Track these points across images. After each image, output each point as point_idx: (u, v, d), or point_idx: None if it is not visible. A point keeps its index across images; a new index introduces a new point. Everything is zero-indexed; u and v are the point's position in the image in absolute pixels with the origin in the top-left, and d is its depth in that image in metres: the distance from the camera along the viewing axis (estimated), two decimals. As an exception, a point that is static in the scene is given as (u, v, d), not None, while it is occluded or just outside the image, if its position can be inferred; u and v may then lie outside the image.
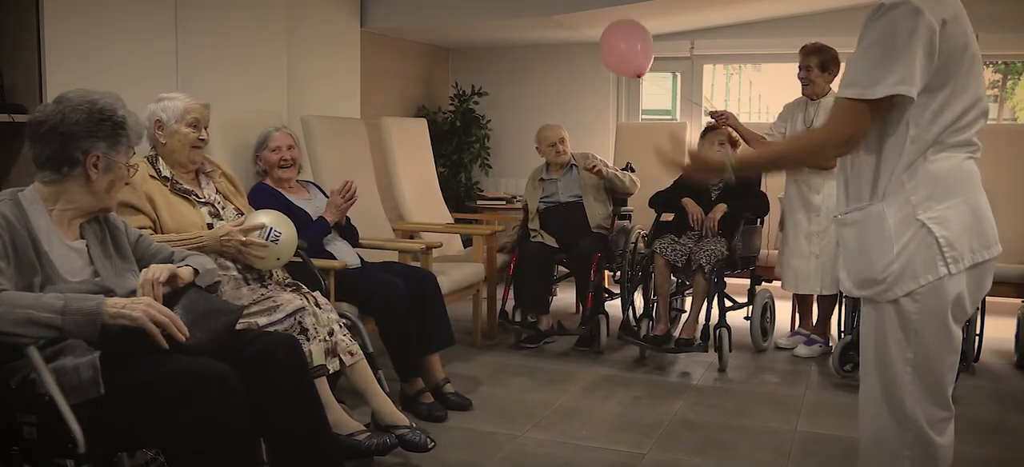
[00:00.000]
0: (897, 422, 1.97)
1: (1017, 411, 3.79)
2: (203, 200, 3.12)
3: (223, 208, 3.17)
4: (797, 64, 4.52)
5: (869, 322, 1.99)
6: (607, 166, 4.88)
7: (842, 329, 4.34)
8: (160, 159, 3.09)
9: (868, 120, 1.85)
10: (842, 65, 4.41)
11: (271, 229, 2.98)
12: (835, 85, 4.52)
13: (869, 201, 1.95)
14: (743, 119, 4.62)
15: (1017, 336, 4.53)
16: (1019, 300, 4.61)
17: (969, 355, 4.07)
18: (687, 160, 2.11)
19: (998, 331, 4.89)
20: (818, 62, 4.47)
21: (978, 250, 1.91)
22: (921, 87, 1.82)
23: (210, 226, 3.05)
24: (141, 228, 2.84)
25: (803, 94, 4.56)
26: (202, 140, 3.12)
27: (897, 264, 1.89)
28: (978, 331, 4.16)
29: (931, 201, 1.88)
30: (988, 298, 4.27)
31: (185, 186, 3.09)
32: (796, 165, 1.91)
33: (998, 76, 9.95)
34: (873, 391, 2.01)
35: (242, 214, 3.21)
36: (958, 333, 1.96)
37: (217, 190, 3.21)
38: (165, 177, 3.04)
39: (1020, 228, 5.09)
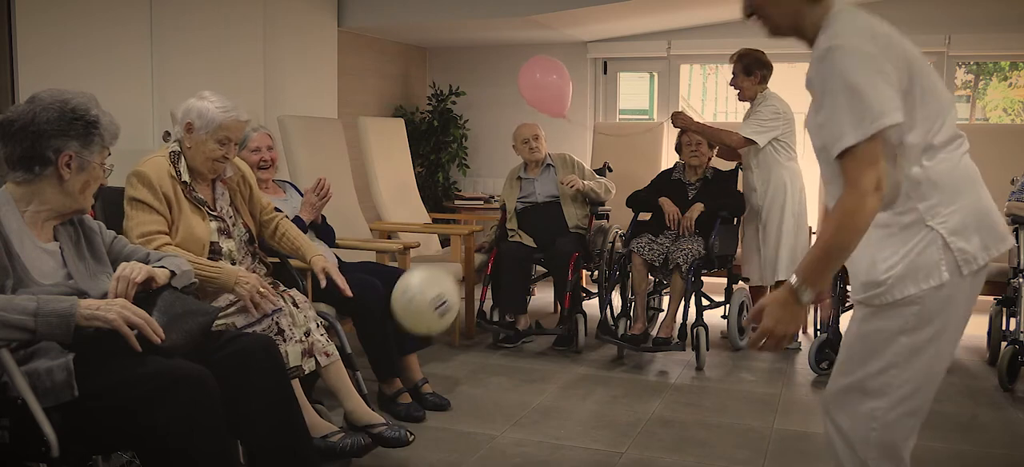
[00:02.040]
0: (867, 422, 1.92)
1: (989, 407, 3.84)
2: (215, 213, 3.03)
3: (233, 225, 3.09)
4: (777, 64, 4.61)
5: (858, 325, 1.93)
6: (581, 180, 4.87)
7: (817, 327, 4.37)
8: (182, 159, 2.97)
9: (878, 155, 1.74)
10: (767, 66, 4.54)
11: (444, 302, 2.81)
12: (772, 85, 4.64)
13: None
14: (720, 119, 4.67)
15: (990, 333, 4.59)
16: (991, 298, 4.67)
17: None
18: (765, 330, 1.88)
19: (971, 328, 4.94)
20: (742, 67, 4.60)
21: (991, 246, 1.87)
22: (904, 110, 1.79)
23: (215, 245, 2.96)
24: (156, 232, 2.80)
25: (739, 100, 4.75)
26: (227, 157, 2.99)
27: (900, 266, 1.84)
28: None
29: (939, 206, 1.84)
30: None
31: (199, 195, 2.99)
32: (848, 245, 1.76)
33: (970, 77, 10.08)
34: (849, 390, 1.94)
35: (249, 230, 3.15)
36: (958, 339, 1.92)
37: (230, 202, 3.12)
38: (184, 181, 2.94)
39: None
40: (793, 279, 1.83)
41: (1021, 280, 4.23)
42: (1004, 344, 4.20)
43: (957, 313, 1.87)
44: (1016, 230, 4.46)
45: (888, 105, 1.74)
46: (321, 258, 3.21)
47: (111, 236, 2.39)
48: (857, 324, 1.94)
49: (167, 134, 3.06)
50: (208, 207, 3.00)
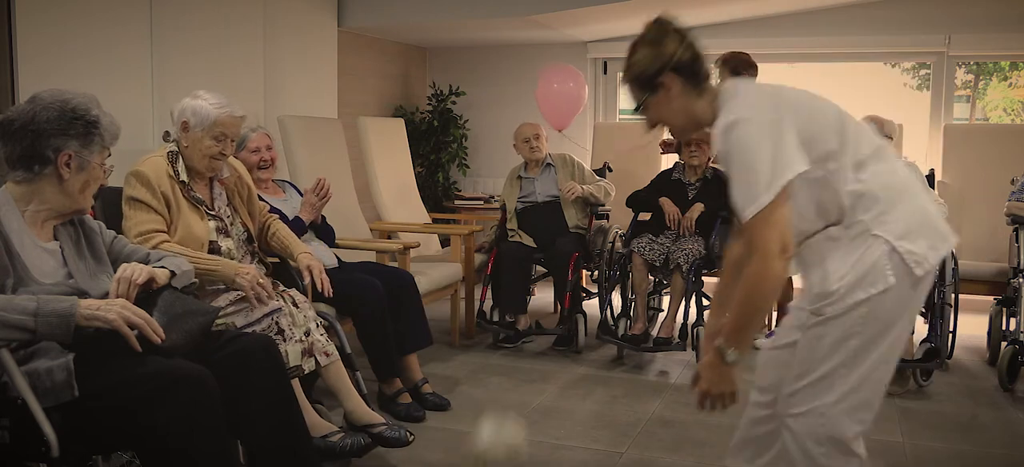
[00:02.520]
0: (816, 420, 1.98)
1: (989, 407, 3.84)
2: (213, 212, 3.03)
3: (231, 224, 3.09)
4: (775, 65, 4.60)
5: (818, 337, 1.97)
6: (580, 187, 4.87)
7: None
8: (180, 159, 2.98)
9: (781, 217, 1.85)
10: (753, 67, 4.55)
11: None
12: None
13: (824, 222, 1.99)
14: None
15: (989, 333, 4.59)
16: (991, 297, 4.67)
17: (942, 352, 4.11)
18: (702, 393, 2.02)
19: (971, 328, 4.95)
20: (729, 70, 4.58)
21: (938, 246, 1.94)
22: (804, 154, 1.88)
23: (214, 244, 2.98)
24: (155, 230, 2.81)
25: None
26: (223, 154, 3.00)
27: (850, 275, 1.92)
28: (951, 328, 4.20)
29: (882, 215, 1.92)
30: (962, 296, 4.37)
31: (197, 194, 2.99)
32: (762, 309, 1.92)
33: (970, 77, 10.07)
34: (814, 391, 1.98)
35: (248, 230, 3.15)
36: (906, 337, 1.98)
37: (228, 201, 3.13)
38: (182, 181, 2.95)
39: (991, 226, 5.15)
40: (718, 341, 1.94)
41: (1021, 280, 4.23)
42: (1004, 344, 4.20)
43: (904, 314, 1.95)
44: (1016, 230, 4.46)
45: (791, 160, 1.85)
46: (307, 255, 3.21)
47: (111, 236, 2.39)
48: (809, 331, 2.00)
49: (167, 134, 3.07)
50: (206, 207, 3.01)
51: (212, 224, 3.00)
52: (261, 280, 2.85)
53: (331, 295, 3.17)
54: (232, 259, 2.99)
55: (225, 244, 3.02)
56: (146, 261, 2.33)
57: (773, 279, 1.85)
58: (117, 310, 1.97)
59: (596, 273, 4.93)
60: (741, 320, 1.92)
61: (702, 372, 2.01)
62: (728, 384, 1.97)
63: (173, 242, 2.84)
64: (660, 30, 2.03)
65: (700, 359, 2.02)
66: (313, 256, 3.23)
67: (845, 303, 1.91)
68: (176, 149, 2.99)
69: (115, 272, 2.19)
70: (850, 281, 1.91)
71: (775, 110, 1.90)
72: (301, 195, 3.86)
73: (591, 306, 4.96)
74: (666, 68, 2.00)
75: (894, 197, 1.94)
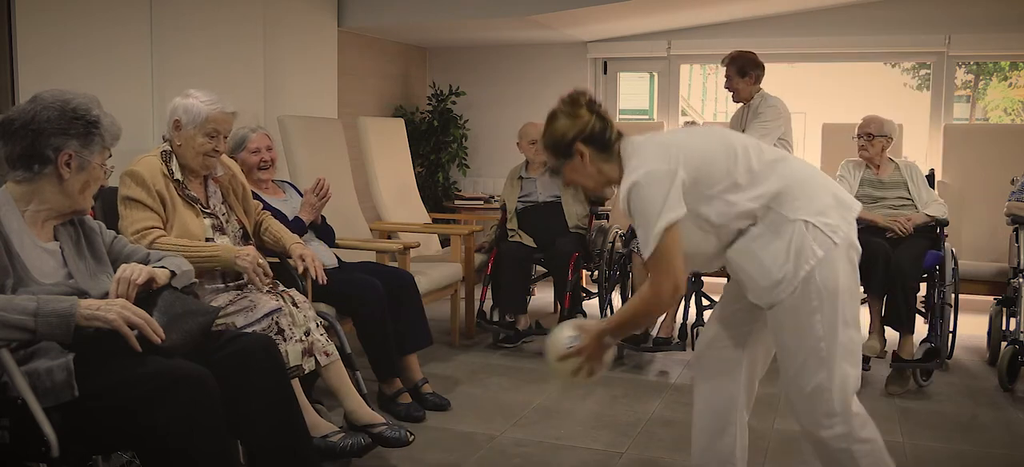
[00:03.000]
0: (820, 396, 2.21)
1: (989, 407, 3.84)
2: (208, 210, 3.05)
3: (227, 222, 3.11)
4: (772, 65, 4.62)
5: (785, 321, 2.23)
6: None
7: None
8: (173, 158, 3.00)
9: (673, 258, 2.18)
10: (759, 67, 4.60)
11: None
12: (765, 85, 4.66)
13: (740, 235, 2.27)
14: (720, 119, 4.67)
15: (989, 333, 4.59)
16: (991, 297, 4.67)
17: (942, 352, 4.11)
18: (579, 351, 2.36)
19: (971, 328, 4.95)
20: (736, 69, 4.62)
21: (846, 215, 2.24)
22: (685, 200, 2.18)
23: (210, 240, 3.00)
24: (150, 227, 2.83)
25: (734, 102, 4.75)
26: (217, 151, 3.02)
27: (789, 263, 2.18)
28: (951, 328, 4.20)
29: (793, 202, 2.21)
30: (962, 296, 4.37)
31: (192, 193, 3.01)
32: (642, 323, 2.57)
33: (970, 77, 10.08)
34: (799, 385, 2.24)
35: (243, 227, 3.17)
36: (858, 289, 2.31)
37: (223, 199, 3.14)
38: (177, 180, 2.97)
39: (991, 226, 5.15)
40: (603, 326, 2.34)
41: (1021, 280, 4.23)
42: (1004, 344, 4.20)
43: (842, 279, 2.19)
44: (1016, 230, 4.46)
45: (673, 207, 2.16)
46: (299, 246, 3.22)
47: (111, 236, 2.39)
48: (778, 329, 2.27)
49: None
50: (201, 205, 3.02)
51: (207, 221, 3.02)
52: (261, 261, 2.89)
53: (325, 282, 3.18)
54: None
55: (221, 240, 3.04)
56: (146, 261, 2.33)
57: (657, 310, 2.29)
58: (117, 310, 1.97)
59: (596, 273, 4.94)
60: (625, 322, 2.36)
61: (585, 341, 2.34)
62: (598, 359, 2.36)
63: (170, 237, 2.85)
64: (574, 103, 2.32)
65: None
66: (305, 246, 3.23)
67: (793, 283, 2.17)
68: (169, 149, 3.00)
69: (115, 272, 2.19)
70: (791, 264, 2.18)
71: (667, 161, 2.19)
72: (301, 196, 3.86)
73: (591, 306, 4.96)
74: (579, 138, 2.29)
75: (798, 187, 2.23)
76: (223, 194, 3.14)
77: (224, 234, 3.06)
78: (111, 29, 4.00)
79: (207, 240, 2.98)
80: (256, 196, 3.62)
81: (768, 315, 2.28)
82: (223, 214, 3.10)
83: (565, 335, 2.45)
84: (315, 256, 3.17)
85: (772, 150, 2.34)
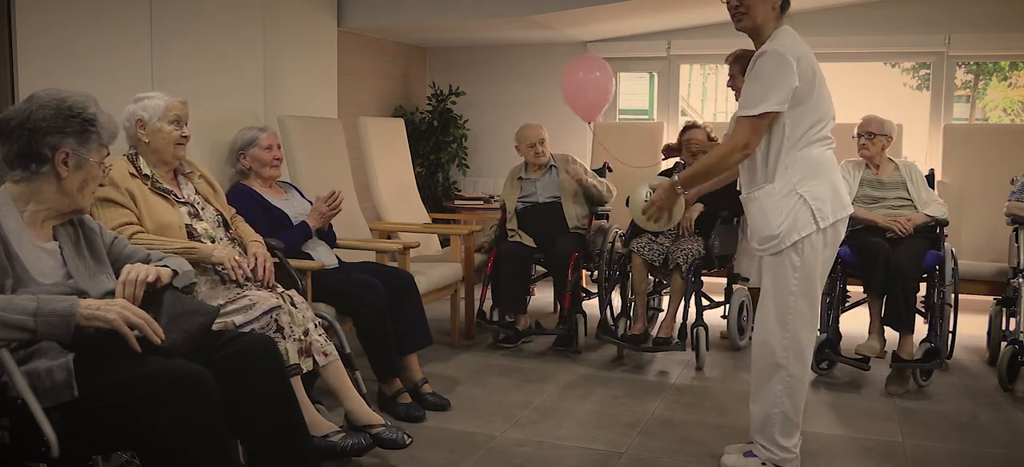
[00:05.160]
0: (781, 330, 2.85)
1: (989, 406, 3.84)
2: (182, 200, 3.10)
3: (202, 209, 3.15)
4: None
5: (768, 269, 2.86)
6: (587, 174, 4.90)
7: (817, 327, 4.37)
8: (140, 157, 3.07)
9: (759, 130, 2.77)
10: None
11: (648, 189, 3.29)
12: None
13: (763, 183, 2.83)
14: (720, 119, 4.66)
15: (989, 333, 4.59)
16: (991, 298, 4.67)
17: (942, 352, 4.11)
18: (655, 200, 3.14)
19: (971, 328, 4.95)
20: (739, 69, 4.58)
21: (838, 210, 2.81)
22: (788, 105, 2.72)
23: (189, 228, 3.03)
24: (126, 223, 2.86)
25: (737, 100, 4.73)
26: (185, 137, 3.11)
27: (786, 223, 2.77)
28: (951, 328, 4.20)
29: (805, 179, 2.77)
30: (961, 296, 4.38)
31: (165, 185, 3.07)
32: (716, 170, 2.99)
33: (970, 77, 10.07)
34: (769, 312, 2.87)
35: (221, 215, 3.19)
36: (828, 269, 2.90)
37: (196, 191, 3.19)
38: (145, 175, 3.03)
39: (991, 226, 5.15)
40: (676, 179, 3.10)
41: (1021, 280, 4.23)
42: (1004, 344, 4.20)
43: (822, 254, 2.82)
44: (1016, 230, 4.46)
45: (779, 98, 2.70)
46: (256, 244, 3.23)
47: (111, 237, 2.39)
48: (767, 272, 2.88)
49: None
50: (175, 195, 3.07)
51: (183, 210, 3.07)
52: (237, 257, 2.95)
53: (272, 283, 3.14)
54: (212, 239, 3.07)
55: (200, 227, 3.08)
56: (147, 261, 2.33)
57: (732, 160, 2.84)
58: (117, 310, 1.96)
59: (596, 273, 4.93)
60: (697, 172, 3.02)
61: (659, 192, 3.12)
62: (671, 203, 3.14)
63: (148, 234, 2.90)
64: None
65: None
66: (261, 245, 3.23)
67: (784, 244, 2.78)
68: (134, 151, 3.09)
69: (115, 273, 2.19)
70: (786, 227, 2.77)
71: (797, 59, 2.69)
72: (302, 196, 3.86)
73: (591, 306, 4.96)
74: None
75: (816, 171, 2.78)
76: (196, 187, 3.20)
77: (202, 220, 3.10)
78: (111, 30, 4.00)
79: (186, 226, 3.02)
80: (259, 196, 3.63)
81: (763, 259, 2.89)
82: (199, 203, 3.15)
83: (643, 191, 3.28)
84: (267, 256, 3.17)
85: (829, 132, 2.83)
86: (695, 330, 4.36)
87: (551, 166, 4.98)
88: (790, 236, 2.76)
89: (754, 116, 2.73)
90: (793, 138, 2.75)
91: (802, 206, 2.74)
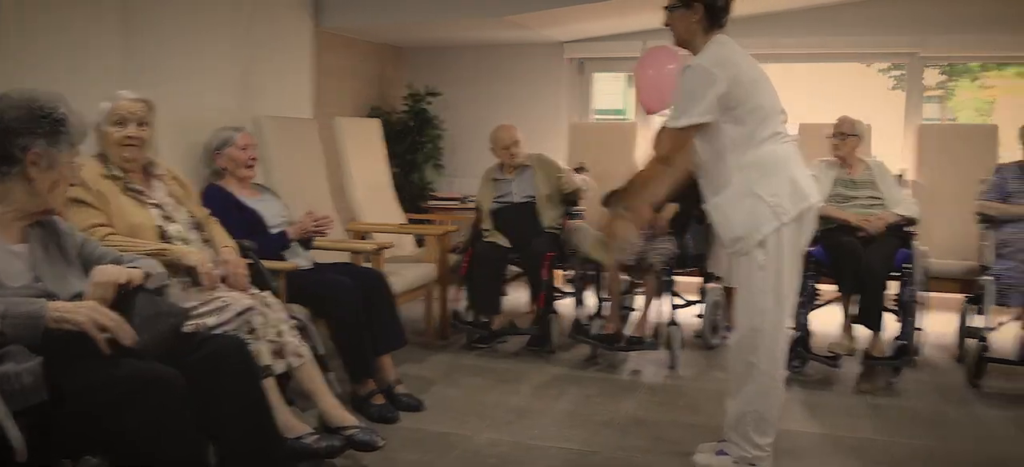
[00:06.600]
0: (753, 330, 2.89)
1: (957, 403, 3.89)
2: (153, 201, 3.06)
3: (175, 211, 3.11)
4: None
5: (738, 271, 2.93)
6: (575, 177, 4.97)
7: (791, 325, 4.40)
8: (108, 160, 3.05)
9: (680, 142, 2.85)
10: None
11: None
12: None
13: (722, 188, 2.88)
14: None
15: (959, 330, 4.65)
16: (961, 295, 4.72)
17: (910, 349, 4.16)
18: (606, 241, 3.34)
19: (941, 326, 5.01)
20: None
21: (798, 202, 2.81)
22: (716, 114, 2.77)
23: (161, 228, 3.01)
24: (97, 225, 2.83)
25: None
26: (130, 138, 3.02)
27: (748, 223, 2.82)
28: (919, 326, 4.25)
29: (761, 179, 2.80)
30: (932, 294, 4.43)
31: (136, 186, 3.04)
32: (652, 182, 2.99)
33: (943, 77, 10.17)
34: (742, 312, 2.93)
35: (194, 218, 3.16)
36: (799, 263, 2.91)
37: (168, 193, 3.15)
38: (116, 175, 3.00)
39: (961, 225, 5.21)
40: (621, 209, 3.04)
41: (988, 278, 4.29)
42: (972, 341, 4.25)
43: (789, 249, 2.83)
44: (985, 229, 4.51)
45: (701, 109, 2.77)
46: (227, 250, 3.20)
47: (81, 239, 2.37)
48: (737, 274, 2.94)
49: None
50: (145, 195, 3.05)
51: (155, 211, 3.03)
52: (208, 264, 2.92)
53: (247, 289, 3.11)
54: (184, 241, 3.04)
55: (172, 228, 3.04)
56: (118, 263, 2.31)
57: (654, 171, 2.93)
58: (86, 312, 1.95)
59: (571, 273, 4.94)
60: (633, 187, 3.00)
61: (604, 226, 3.17)
62: (621, 230, 3.04)
63: (119, 235, 2.88)
64: None
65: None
66: (234, 251, 3.22)
67: (751, 243, 2.82)
68: (104, 154, 3.07)
69: (87, 275, 2.17)
70: (749, 227, 2.82)
71: (721, 68, 2.76)
72: (278, 199, 3.85)
73: (565, 306, 4.98)
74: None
75: (772, 169, 2.82)
76: (168, 188, 3.17)
77: (174, 222, 3.07)
78: (83, 27, 3.97)
79: (158, 228, 3.00)
80: (233, 197, 3.61)
81: (733, 261, 2.95)
82: (170, 206, 3.12)
83: (589, 230, 3.44)
84: (240, 264, 3.15)
85: (779, 127, 2.88)
86: (668, 329, 4.38)
87: (526, 166, 4.98)
88: (753, 236, 2.80)
89: (676, 129, 2.83)
90: (740, 141, 2.80)
91: (761, 205, 2.79)
